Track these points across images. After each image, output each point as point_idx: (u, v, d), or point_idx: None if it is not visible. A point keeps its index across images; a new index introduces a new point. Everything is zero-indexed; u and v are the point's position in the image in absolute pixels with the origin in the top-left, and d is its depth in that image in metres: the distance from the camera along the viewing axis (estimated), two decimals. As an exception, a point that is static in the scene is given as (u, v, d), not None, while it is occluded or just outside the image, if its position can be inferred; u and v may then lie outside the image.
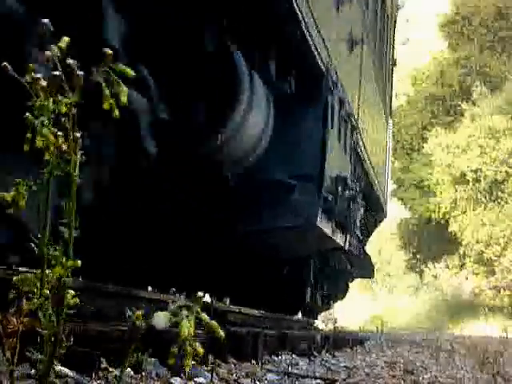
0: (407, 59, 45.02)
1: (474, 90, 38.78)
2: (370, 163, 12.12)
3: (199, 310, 1.36)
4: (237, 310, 7.37)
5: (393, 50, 16.87)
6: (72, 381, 2.74)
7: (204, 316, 1.37)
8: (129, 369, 3.17)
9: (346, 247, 8.92)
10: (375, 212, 14.98)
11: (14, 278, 1.36)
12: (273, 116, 5.91)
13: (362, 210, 10.11)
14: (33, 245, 1.35)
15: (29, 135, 1.34)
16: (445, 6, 42.09)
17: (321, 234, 7.09)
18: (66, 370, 2.74)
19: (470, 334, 22.26)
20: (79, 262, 1.35)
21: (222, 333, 1.38)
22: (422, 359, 8.21)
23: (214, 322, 1.38)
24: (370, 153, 11.79)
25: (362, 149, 10.64)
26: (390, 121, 17.31)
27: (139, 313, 1.40)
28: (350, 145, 8.62)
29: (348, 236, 8.85)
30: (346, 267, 13.01)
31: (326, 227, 7.14)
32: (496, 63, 38.90)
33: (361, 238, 11.22)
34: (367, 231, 15.39)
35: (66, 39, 1.34)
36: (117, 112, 1.35)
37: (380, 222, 16.50)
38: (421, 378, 5.30)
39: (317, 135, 6.66)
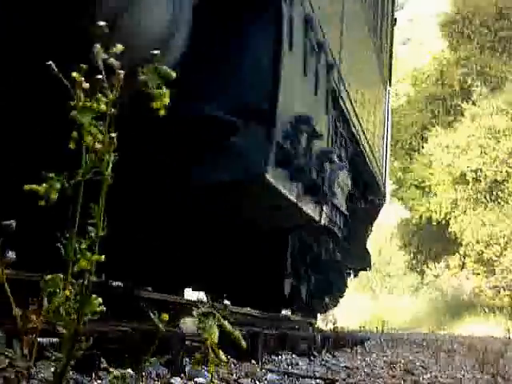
0: (407, 59, 45.02)
1: (474, 90, 38.76)
2: (362, 128, 9.81)
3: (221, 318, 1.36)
4: (234, 310, 7.36)
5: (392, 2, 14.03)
6: (72, 381, 2.74)
7: (226, 325, 1.37)
8: (128, 369, 3.17)
9: (322, 221, 6.91)
10: (371, 193, 12.64)
11: (42, 280, 1.35)
12: (190, 12, 3.84)
13: (348, 180, 8.22)
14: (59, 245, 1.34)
15: (75, 134, 1.32)
16: (445, 6, 42.07)
17: (276, 195, 5.11)
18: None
19: (469, 334, 22.24)
20: (103, 256, 1.34)
21: (244, 343, 1.38)
22: (422, 359, 8.20)
23: (237, 332, 1.38)
24: (360, 117, 9.59)
25: (348, 105, 8.33)
26: (390, 89, 14.66)
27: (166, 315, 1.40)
28: (325, 87, 6.58)
29: (324, 207, 6.77)
30: (335, 255, 10.72)
31: (285, 187, 5.19)
32: (496, 63, 38.87)
33: (346, 213, 8.86)
34: (369, 219, 13.66)
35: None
36: (163, 111, 1.34)
37: (380, 206, 13.98)
38: (421, 378, 5.30)
39: (267, 54, 4.74)
